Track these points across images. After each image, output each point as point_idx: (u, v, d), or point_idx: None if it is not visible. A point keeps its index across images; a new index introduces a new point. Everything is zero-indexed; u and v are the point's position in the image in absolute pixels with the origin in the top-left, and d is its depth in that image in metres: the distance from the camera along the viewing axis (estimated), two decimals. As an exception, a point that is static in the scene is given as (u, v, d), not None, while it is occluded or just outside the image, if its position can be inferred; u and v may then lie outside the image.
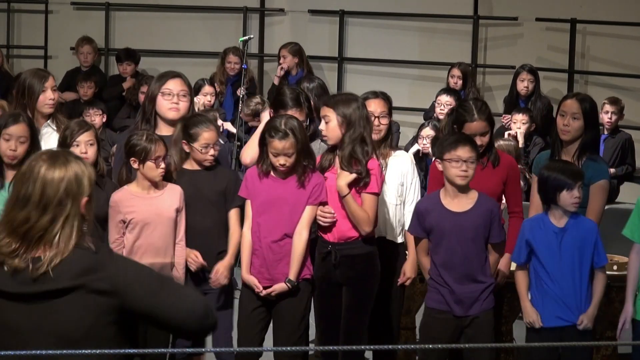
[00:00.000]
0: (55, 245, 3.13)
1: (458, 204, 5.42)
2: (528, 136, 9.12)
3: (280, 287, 5.44)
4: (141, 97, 9.83)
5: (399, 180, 5.81)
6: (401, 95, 10.69)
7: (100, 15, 11.64)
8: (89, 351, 3.11)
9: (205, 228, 5.55)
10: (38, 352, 3.08)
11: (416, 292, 6.33)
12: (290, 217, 5.44)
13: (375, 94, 5.92)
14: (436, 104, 9.31)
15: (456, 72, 9.99)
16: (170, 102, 5.74)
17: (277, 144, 5.36)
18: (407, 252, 5.84)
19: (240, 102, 9.10)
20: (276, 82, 10.41)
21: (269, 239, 5.44)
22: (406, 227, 5.81)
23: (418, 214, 5.51)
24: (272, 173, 5.48)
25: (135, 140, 5.44)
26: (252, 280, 5.47)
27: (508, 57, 10.71)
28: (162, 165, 5.42)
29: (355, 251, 5.48)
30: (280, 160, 5.38)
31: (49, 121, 6.17)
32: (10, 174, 5.45)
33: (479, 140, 5.64)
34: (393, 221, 5.81)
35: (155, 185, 5.48)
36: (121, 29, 11.69)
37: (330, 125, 5.45)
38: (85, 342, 3.13)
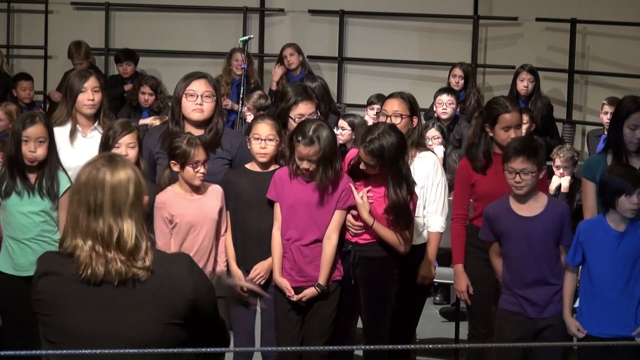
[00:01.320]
0: (144, 249, 3.15)
1: (527, 208, 5.41)
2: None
3: (310, 292, 5.45)
4: (141, 98, 9.84)
5: (420, 184, 5.83)
6: (401, 95, 10.68)
7: (100, 15, 11.63)
8: (89, 351, 3.12)
9: (261, 229, 5.54)
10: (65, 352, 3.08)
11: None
12: (320, 221, 5.44)
13: (392, 94, 5.98)
14: (436, 104, 9.30)
15: (457, 71, 9.99)
16: (194, 104, 5.69)
17: (302, 149, 5.35)
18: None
19: (240, 102, 9.11)
20: (274, 87, 10.38)
21: (299, 242, 5.45)
22: (428, 228, 5.86)
23: (488, 218, 5.51)
24: (301, 176, 5.47)
25: (176, 143, 5.43)
26: (285, 283, 5.46)
27: (508, 57, 10.71)
28: (202, 169, 5.39)
29: (373, 253, 5.50)
30: (304, 165, 5.37)
31: (95, 124, 6.06)
32: (31, 176, 5.45)
33: (513, 133, 5.68)
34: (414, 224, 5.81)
35: (196, 187, 5.48)
36: (121, 29, 11.68)
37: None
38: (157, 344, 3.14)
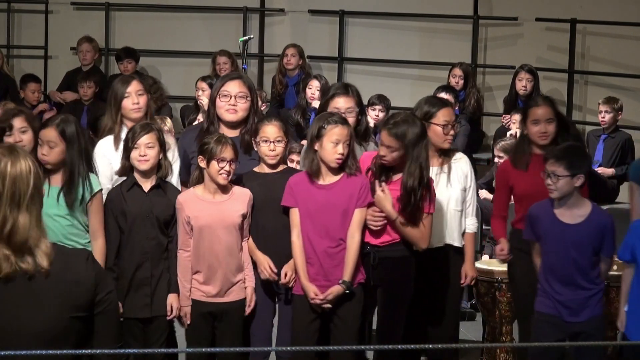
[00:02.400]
0: (40, 244, 3.11)
1: (570, 215, 5.40)
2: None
3: (336, 289, 5.40)
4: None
5: (462, 186, 5.85)
6: (401, 95, 10.67)
7: (100, 15, 11.63)
8: (85, 351, 3.11)
9: (275, 230, 5.52)
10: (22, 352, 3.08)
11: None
12: (343, 222, 5.42)
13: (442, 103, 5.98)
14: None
15: (457, 71, 9.99)
16: (227, 104, 5.69)
17: (340, 129, 5.34)
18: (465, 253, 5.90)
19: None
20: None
21: (325, 245, 5.41)
22: (468, 230, 5.88)
23: (530, 218, 5.50)
24: (317, 180, 5.44)
25: (206, 139, 5.46)
26: (312, 288, 5.42)
27: (508, 57, 10.71)
28: (227, 167, 5.37)
29: (392, 253, 5.47)
30: (340, 149, 5.34)
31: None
32: (57, 177, 5.42)
33: (543, 127, 5.70)
34: (455, 226, 5.83)
35: (222, 188, 5.46)
36: (121, 29, 11.68)
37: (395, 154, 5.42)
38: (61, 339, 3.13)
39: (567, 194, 5.36)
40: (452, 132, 5.79)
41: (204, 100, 9.31)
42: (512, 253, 5.93)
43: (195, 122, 8.58)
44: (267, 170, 5.58)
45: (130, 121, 5.86)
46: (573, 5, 10.61)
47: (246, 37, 9.86)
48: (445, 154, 5.86)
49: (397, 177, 5.44)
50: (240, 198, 5.47)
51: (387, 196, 5.40)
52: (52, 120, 5.52)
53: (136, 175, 5.52)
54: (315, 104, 8.98)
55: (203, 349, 5.49)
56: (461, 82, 9.94)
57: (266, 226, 5.53)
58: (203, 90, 9.34)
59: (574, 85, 10.61)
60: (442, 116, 5.71)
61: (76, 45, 11.13)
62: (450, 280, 5.80)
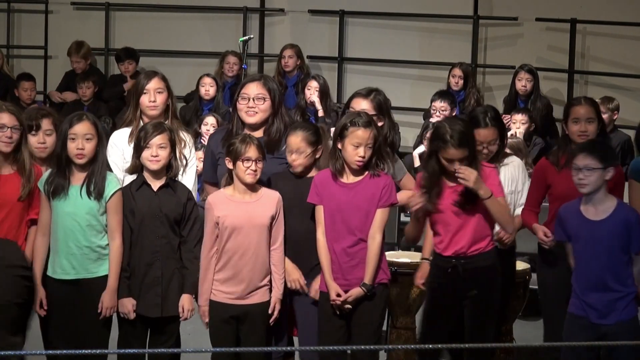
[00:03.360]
0: None
1: (595, 211, 5.34)
2: (528, 136, 9.12)
3: (356, 292, 5.39)
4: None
5: (510, 189, 5.84)
6: (401, 96, 10.69)
7: (100, 15, 11.63)
8: (89, 351, 3.12)
9: (305, 233, 5.51)
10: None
11: (417, 293, 6.33)
12: (364, 222, 5.40)
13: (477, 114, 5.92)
14: (432, 109, 9.33)
15: (457, 72, 10.00)
16: (247, 106, 5.68)
17: (362, 132, 5.31)
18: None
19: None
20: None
21: (344, 244, 5.40)
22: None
23: (559, 219, 5.46)
24: (341, 178, 5.43)
25: (232, 139, 5.47)
26: (335, 287, 5.41)
27: (508, 57, 10.71)
28: (252, 167, 5.37)
29: (480, 264, 5.40)
30: (360, 152, 5.32)
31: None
32: (79, 176, 5.40)
33: (583, 127, 5.77)
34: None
35: (251, 189, 5.46)
36: (121, 29, 11.68)
37: None
38: None
39: (597, 189, 5.30)
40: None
41: (211, 92, 9.35)
42: (544, 256, 5.91)
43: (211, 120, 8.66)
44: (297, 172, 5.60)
45: (148, 117, 5.87)
46: (573, 5, 10.61)
47: (246, 37, 9.86)
48: (496, 158, 5.83)
49: (451, 184, 5.39)
50: (270, 200, 5.47)
51: (473, 171, 5.28)
52: (79, 115, 5.48)
53: (146, 175, 5.52)
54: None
55: (203, 349, 5.48)
56: (461, 82, 9.94)
57: (292, 228, 5.52)
58: (211, 86, 9.38)
59: (574, 85, 10.61)
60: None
61: (67, 53, 11.07)
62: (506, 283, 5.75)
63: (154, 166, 5.48)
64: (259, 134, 5.68)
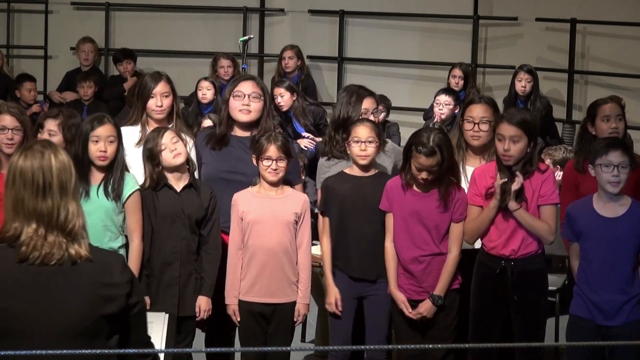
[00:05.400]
0: (83, 233, 3.27)
1: (610, 209, 5.25)
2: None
3: (426, 308, 5.40)
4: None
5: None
6: (401, 96, 10.70)
7: (100, 15, 11.64)
8: (89, 351, 3.12)
9: (365, 235, 5.50)
10: (39, 352, 3.09)
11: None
12: (432, 233, 5.38)
13: (480, 99, 5.94)
14: (435, 104, 9.31)
15: (457, 72, 9.99)
16: (241, 104, 5.68)
17: (424, 160, 5.26)
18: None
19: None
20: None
21: (414, 253, 5.39)
22: None
23: (569, 217, 5.37)
24: (414, 187, 5.40)
25: (258, 136, 5.50)
26: (402, 297, 5.42)
27: (508, 57, 10.71)
28: (273, 166, 5.38)
29: (529, 267, 5.37)
30: (423, 175, 5.30)
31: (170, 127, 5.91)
32: (98, 176, 5.40)
33: (614, 123, 5.78)
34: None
35: (276, 187, 5.47)
36: (121, 29, 11.69)
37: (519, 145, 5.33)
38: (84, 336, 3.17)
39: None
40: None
41: (208, 95, 9.32)
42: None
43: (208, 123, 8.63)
44: (358, 172, 5.57)
45: (154, 120, 5.86)
46: (573, 5, 10.62)
47: (246, 37, 9.86)
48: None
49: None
50: (295, 199, 5.49)
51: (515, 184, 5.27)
52: (100, 117, 5.49)
53: (167, 175, 5.50)
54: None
55: (217, 349, 5.48)
56: (461, 82, 9.94)
57: (356, 230, 5.50)
58: (208, 89, 9.36)
59: (574, 85, 10.61)
60: None
61: (76, 46, 11.13)
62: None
63: (179, 159, 5.45)
64: (245, 134, 5.70)
